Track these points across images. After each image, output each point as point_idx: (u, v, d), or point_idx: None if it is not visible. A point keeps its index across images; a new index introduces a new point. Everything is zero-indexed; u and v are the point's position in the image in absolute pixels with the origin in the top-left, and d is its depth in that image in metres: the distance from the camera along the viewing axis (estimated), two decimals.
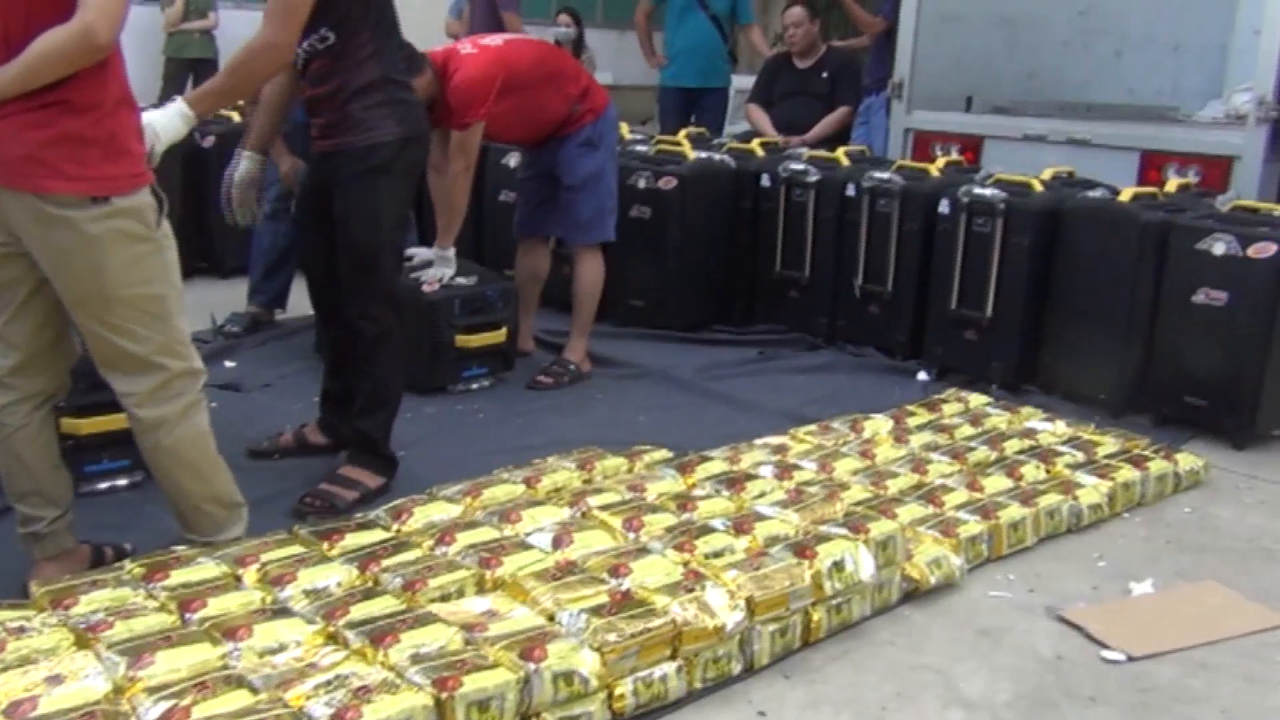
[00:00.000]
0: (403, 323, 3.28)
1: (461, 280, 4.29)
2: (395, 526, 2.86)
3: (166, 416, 2.54)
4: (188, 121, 2.71)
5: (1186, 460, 3.74)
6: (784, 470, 3.34)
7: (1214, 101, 7.06)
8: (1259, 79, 4.98)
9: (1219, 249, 4.01)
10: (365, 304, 3.18)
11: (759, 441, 3.64)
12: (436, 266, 4.26)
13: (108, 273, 2.39)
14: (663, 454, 3.49)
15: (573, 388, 4.44)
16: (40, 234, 2.36)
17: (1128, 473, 3.53)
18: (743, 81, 7.75)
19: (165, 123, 2.66)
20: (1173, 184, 4.79)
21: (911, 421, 3.94)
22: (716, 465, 3.35)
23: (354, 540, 2.74)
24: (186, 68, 9.39)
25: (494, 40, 4.36)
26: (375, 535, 2.78)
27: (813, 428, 3.81)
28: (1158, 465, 3.63)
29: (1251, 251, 3.95)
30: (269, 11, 2.87)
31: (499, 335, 4.35)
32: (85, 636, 2.26)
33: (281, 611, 2.38)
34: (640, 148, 5.51)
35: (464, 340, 4.25)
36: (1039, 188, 4.56)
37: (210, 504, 2.68)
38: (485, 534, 2.78)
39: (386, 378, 3.29)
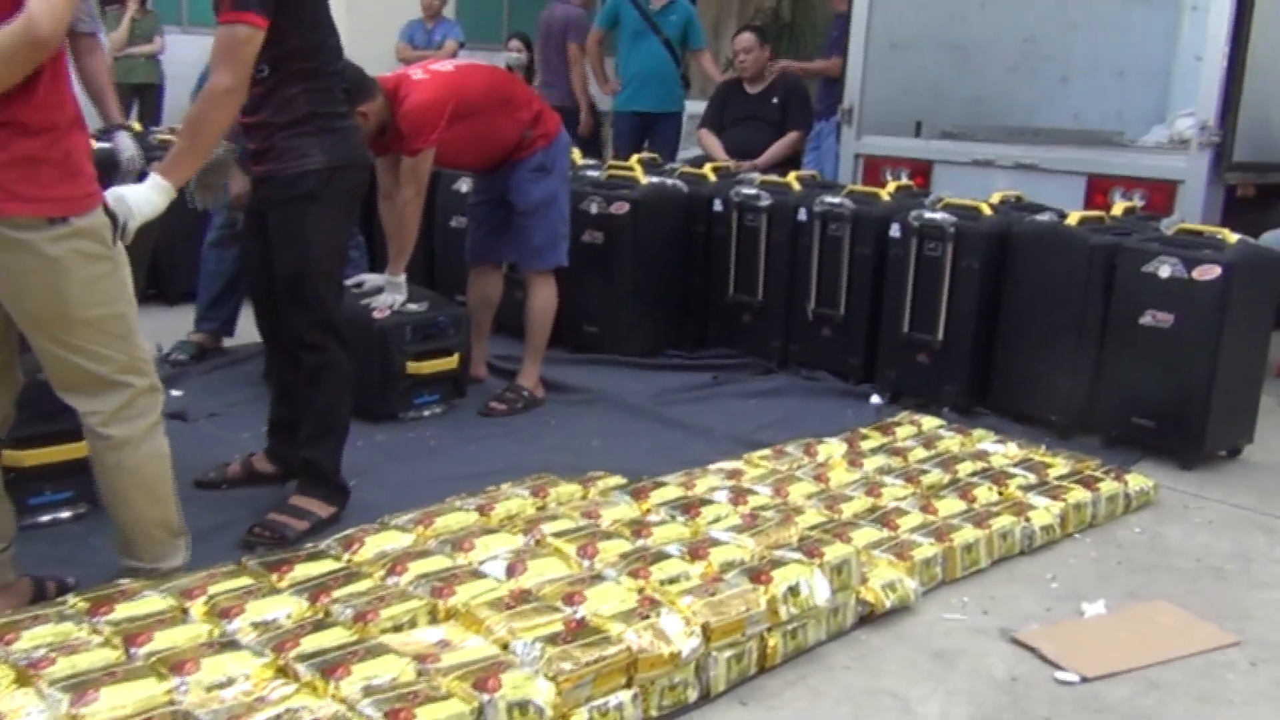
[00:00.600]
0: (346, 350, 3.27)
1: (413, 306, 4.27)
2: (346, 556, 2.83)
3: (132, 435, 2.52)
4: (165, 194, 2.65)
5: (1136, 481, 3.79)
6: (738, 495, 3.34)
7: (1158, 126, 7.20)
8: (1201, 104, 5.07)
9: (1165, 271, 4.08)
10: (302, 331, 3.18)
11: (713, 467, 3.65)
12: (387, 293, 4.24)
13: (70, 294, 2.37)
14: (617, 480, 3.48)
15: (526, 414, 4.43)
16: None
17: (1079, 494, 3.57)
18: (694, 107, 7.80)
19: (138, 197, 2.59)
20: (1118, 207, 4.87)
21: (865, 445, 3.96)
22: (671, 491, 3.35)
23: (304, 571, 2.70)
24: (131, 93, 9.30)
25: (445, 66, 4.36)
26: (325, 566, 2.75)
27: (767, 452, 3.82)
28: (1108, 486, 3.67)
29: (1196, 274, 4.02)
30: (215, 56, 2.84)
31: (451, 362, 4.34)
32: (26, 673, 2.21)
33: (229, 645, 2.34)
34: (592, 173, 5.53)
35: (416, 367, 4.23)
36: (988, 211, 4.62)
37: (160, 529, 2.65)
38: (438, 563, 2.75)
39: (332, 405, 3.27)
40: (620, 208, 5.12)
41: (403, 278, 4.26)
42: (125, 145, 4.29)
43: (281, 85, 3.06)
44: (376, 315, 4.18)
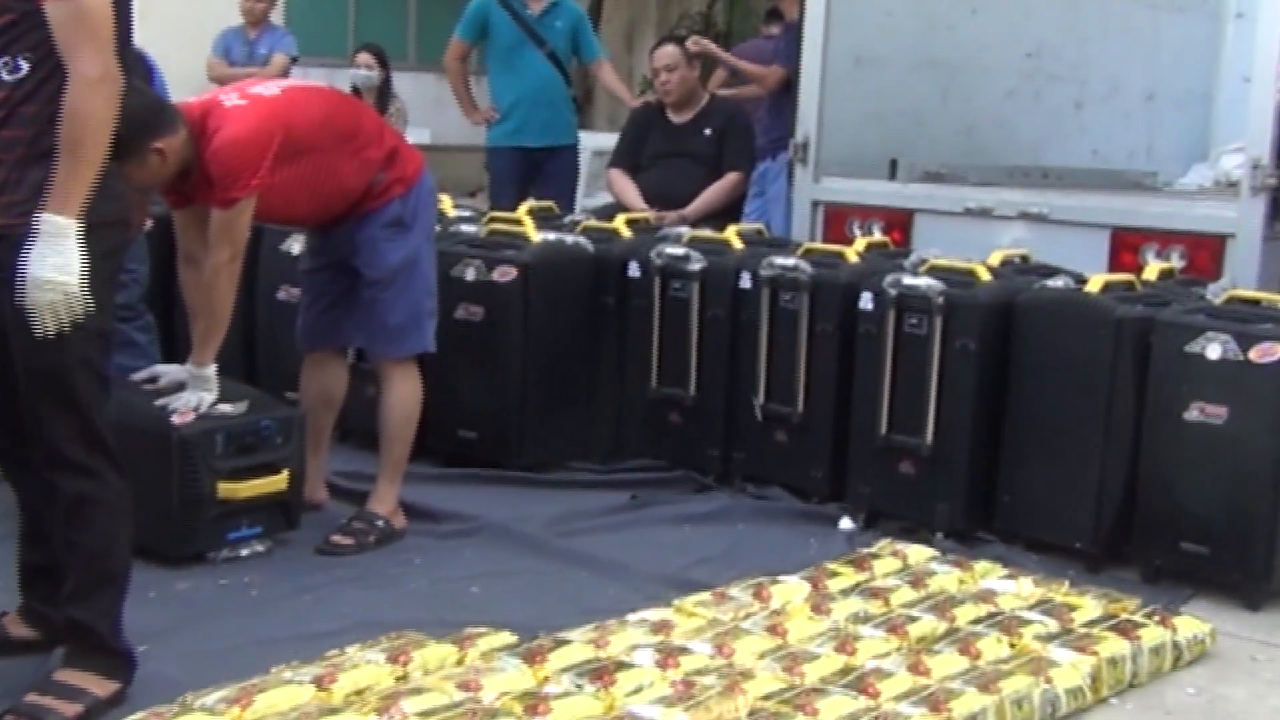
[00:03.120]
0: (120, 471, 3.21)
1: (226, 408, 4.23)
2: None
3: None
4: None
5: (1187, 626, 3.84)
6: (667, 655, 3.33)
7: (1198, 165, 7.43)
8: (1252, 137, 5.20)
9: (1214, 352, 4.17)
10: (57, 447, 3.12)
11: (633, 617, 3.64)
12: (191, 390, 4.19)
13: None
14: (504, 638, 3.47)
15: (381, 551, 4.40)
16: None
17: (1114, 645, 3.61)
18: (602, 141, 7.88)
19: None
20: (1152, 269, 4.99)
21: (834, 585, 3.98)
22: (577, 651, 3.34)
23: None
24: None
25: (270, 89, 4.36)
26: None
27: (704, 596, 3.83)
28: (1151, 634, 3.72)
29: (1254, 354, 4.11)
30: (70, 39, 2.91)
31: (278, 481, 4.29)
32: None
33: None
34: (468, 228, 5.55)
35: (229, 489, 4.18)
36: (986, 276, 4.71)
37: None
38: None
39: (105, 546, 3.20)
40: (505, 274, 5.13)
41: (212, 369, 4.21)
42: None
43: (44, 91, 3.01)
44: (176, 420, 4.12)
